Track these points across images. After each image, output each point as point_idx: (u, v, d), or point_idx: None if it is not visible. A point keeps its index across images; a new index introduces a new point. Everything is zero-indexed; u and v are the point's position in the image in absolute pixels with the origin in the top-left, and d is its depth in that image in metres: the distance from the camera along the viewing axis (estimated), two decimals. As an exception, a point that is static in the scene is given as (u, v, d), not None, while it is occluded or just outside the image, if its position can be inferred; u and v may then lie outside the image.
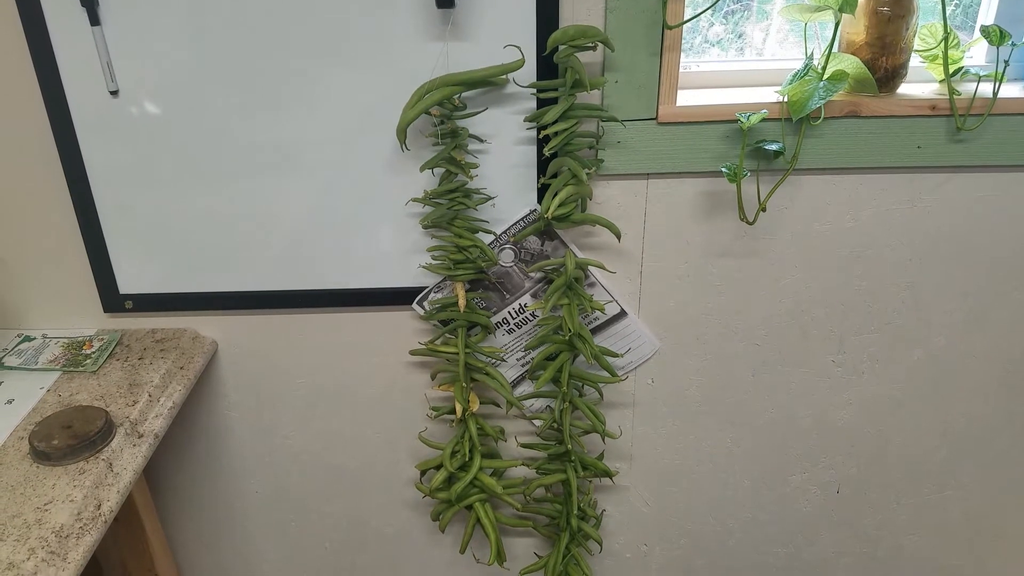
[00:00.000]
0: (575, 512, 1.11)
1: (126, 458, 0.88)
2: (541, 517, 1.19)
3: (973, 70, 0.96)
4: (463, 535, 1.15)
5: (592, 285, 1.07)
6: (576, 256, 1.02)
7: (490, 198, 1.00)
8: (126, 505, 1.10)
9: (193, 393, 1.16)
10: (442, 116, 0.91)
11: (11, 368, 1.02)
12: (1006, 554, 1.27)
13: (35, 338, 1.09)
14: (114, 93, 0.95)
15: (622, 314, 1.09)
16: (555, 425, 1.08)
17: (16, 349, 1.06)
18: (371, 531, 1.29)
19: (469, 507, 1.13)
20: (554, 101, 0.91)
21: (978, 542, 1.26)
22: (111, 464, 0.86)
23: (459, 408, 1.07)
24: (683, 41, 0.92)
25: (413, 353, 1.09)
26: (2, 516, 0.78)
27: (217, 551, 1.32)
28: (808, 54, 0.98)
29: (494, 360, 1.10)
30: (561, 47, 0.87)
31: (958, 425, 1.16)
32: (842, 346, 1.10)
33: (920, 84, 1.01)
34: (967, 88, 0.95)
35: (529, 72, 0.92)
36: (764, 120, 0.93)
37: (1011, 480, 1.20)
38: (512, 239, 1.03)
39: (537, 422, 1.15)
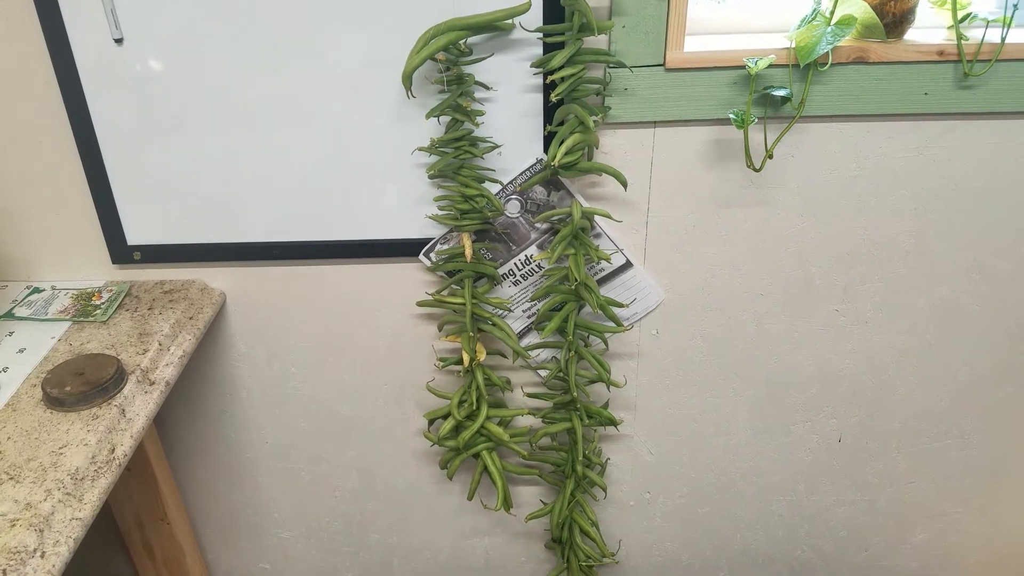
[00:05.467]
0: (580, 459, 1.13)
1: (138, 404, 0.89)
2: (547, 465, 1.21)
3: (981, 15, 0.95)
4: (471, 482, 1.17)
5: (598, 236, 1.07)
6: (582, 205, 1.02)
7: (496, 146, 1.00)
8: (138, 454, 1.12)
9: (202, 344, 1.17)
10: (448, 62, 0.91)
11: (22, 319, 1.03)
12: (1006, 502, 1.29)
13: (44, 290, 1.10)
14: (118, 41, 0.95)
15: (628, 265, 1.10)
16: (561, 374, 1.09)
17: (26, 300, 1.07)
18: (380, 480, 1.31)
19: (476, 455, 1.15)
20: (561, 46, 0.90)
21: (978, 490, 1.28)
22: (123, 410, 0.87)
23: (466, 358, 1.08)
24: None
25: (420, 304, 1.10)
26: (18, 459, 0.79)
27: (228, 500, 1.34)
28: (816, -1, 0.97)
29: (501, 311, 1.11)
30: (568, -10, 0.87)
31: (961, 374, 1.17)
32: (846, 295, 1.11)
33: (928, 30, 1.00)
34: (975, 34, 0.94)
35: (535, 17, 0.91)
36: (772, 66, 0.92)
37: (1012, 429, 1.21)
38: (518, 189, 1.03)
39: (543, 372, 1.16)
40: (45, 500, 0.74)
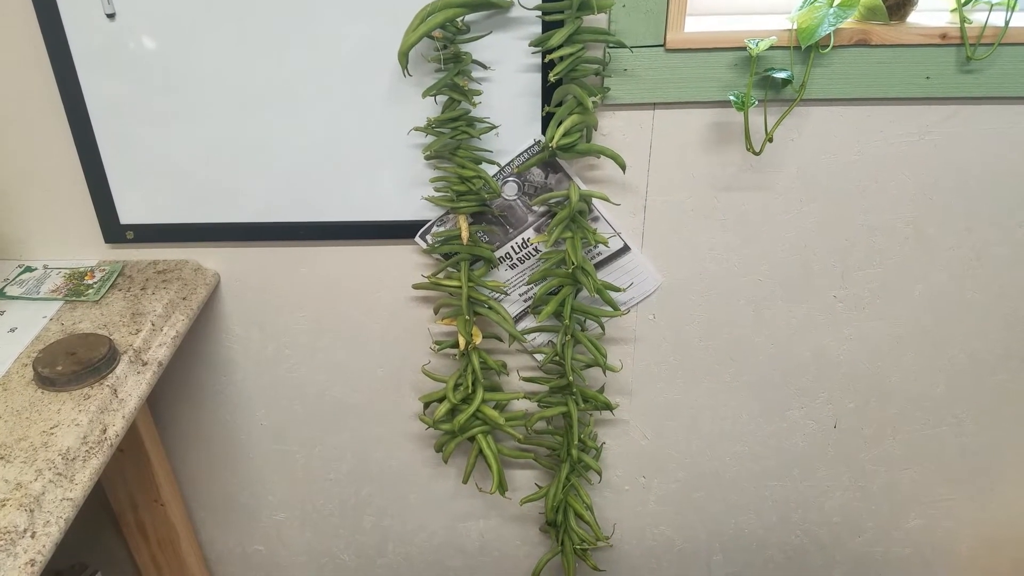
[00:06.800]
0: (575, 443, 1.13)
1: (130, 385, 0.89)
2: (542, 449, 1.21)
3: (986, -2, 0.94)
4: (466, 466, 1.17)
5: (596, 219, 1.07)
6: (580, 188, 1.01)
7: (494, 127, 0.99)
8: (131, 436, 1.12)
9: (196, 325, 1.17)
10: (445, 40, 0.90)
11: (13, 298, 1.02)
12: (1001, 489, 1.29)
13: (36, 268, 1.09)
14: (111, 16, 0.93)
15: (625, 249, 1.09)
16: (557, 359, 1.09)
17: (18, 279, 1.06)
18: (375, 463, 1.30)
19: (472, 439, 1.14)
20: (560, 24, 0.89)
21: (973, 477, 1.28)
22: (116, 390, 0.86)
23: (462, 341, 1.07)
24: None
25: (416, 287, 1.09)
26: (8, 439, 0.78)
27: (222, 483, 1.34)
28: (819, -20, 0.96)
29: (497, 294, 1.10)
30: (568, -33, 0.85)
31: (957, 361, 1.17)
32: (844, 281, 1.11)
33: (931, 12, 0.99)
34: (979, 17, 0.93)
35: (535, -6, 0.90)
36: (773, 48, 0.91)
37: (1008, 416, 1.21)
38: (516, 170, 1.02)
39: (539, 356, 1.16)
40: (36, 480, 0.73)
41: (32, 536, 0.69)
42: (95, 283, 1.04)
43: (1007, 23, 0.91)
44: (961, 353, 1.16)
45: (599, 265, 1.10)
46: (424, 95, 0.94)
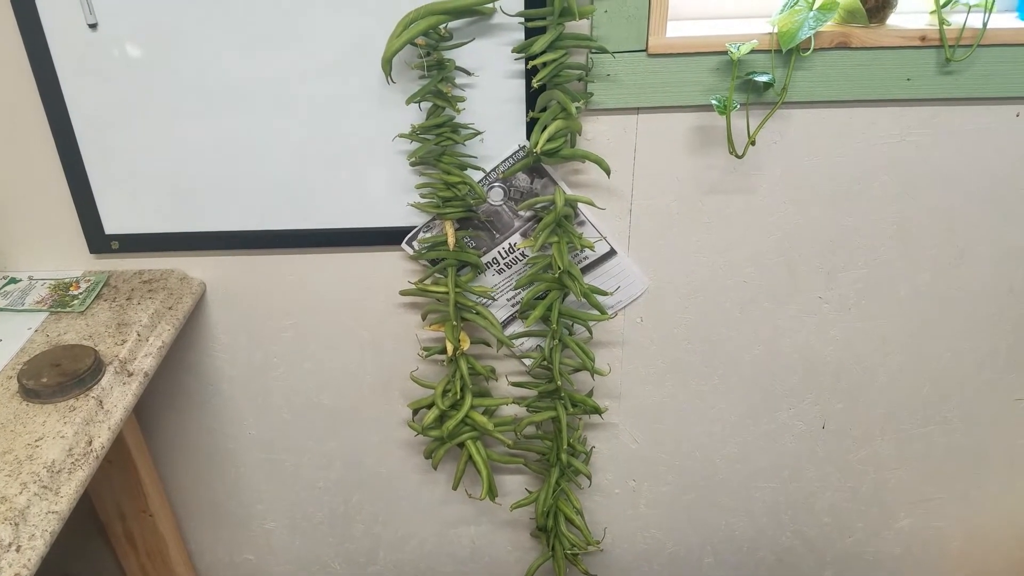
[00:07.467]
0: (565, 448, 1.13)
1: (116, 396, 0.88)
2: (532, 454, 1.21)
3: (963, 0, 0.95)
4: (455, 472, 1.17)
5: (582, 224, 1.07)
6: (565, 193, 1.01)
7: (478, 133, 0.99)
8: (119, 446, 1.11)
9: (182, 335, 1.16)
10: (428, 47, 0.90)
11: (-3, 309, 1.02)
12: (988, 487, 1.30)
13: (21, 280, 1.08)
14: (93, 26, 0.93)
15: (612, 252, 1.09)
16: (545, 363, 1.09)
17: (2, 291, 1.05)
18: (364, 470, 1.30)
19: (461, 445, 1.14)
20: (542, 31, 0.90)
21: (961, 476, 1.29)
22: (101, 402, 0.86)
23: (450, 347, 1.07)
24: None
25: (403, 293, 1.09)
26: (-7, 452, 0.78)
27: (211, 492, 1.34)
28: (799, -16, 0.97)
29: (484, 299, 1.11)
30: (548, -26, 0.86)
31: (943, 360, 1.17)
32: (829, 282, 1.11)
33: (910, 15, 1.00)
34: (957, 19, 0.94)
35: (516, 1, 0.90)
36: (754, 52, 0.92)
37: (993, 414, 1.22)
38: (501, 176, 1.03)
39: (527, 361, 1.16)
40: (20, 493, 0.73)
41: (17, 550, 0.69)
42: (80, 294, 1.04)
43: (985, 25, 0.92)
44: (947, 352, 1.17)
45: (586, 269, 1.10)
46: (408, 102, 0.95)
